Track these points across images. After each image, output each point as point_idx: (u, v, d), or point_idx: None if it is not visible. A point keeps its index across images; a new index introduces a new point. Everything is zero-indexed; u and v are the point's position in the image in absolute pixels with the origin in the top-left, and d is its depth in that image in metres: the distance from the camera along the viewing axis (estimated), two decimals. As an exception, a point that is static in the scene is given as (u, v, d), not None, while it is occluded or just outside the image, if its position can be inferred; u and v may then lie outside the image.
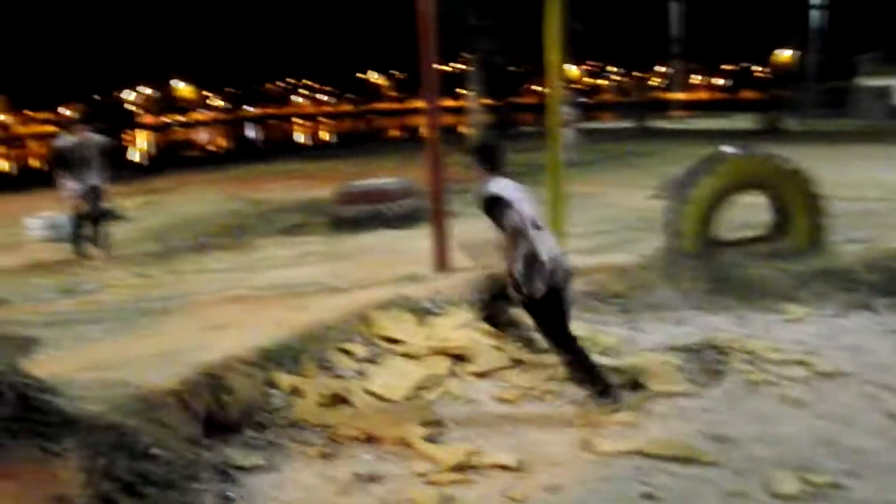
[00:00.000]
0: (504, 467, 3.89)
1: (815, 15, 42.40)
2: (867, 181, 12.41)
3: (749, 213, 7.77)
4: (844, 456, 3.85)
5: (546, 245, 4.41)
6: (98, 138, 9.22)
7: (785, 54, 55.45)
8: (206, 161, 26.79)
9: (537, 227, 4.42)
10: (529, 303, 4.42)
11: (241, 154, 30.92)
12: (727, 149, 7.00)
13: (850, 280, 6.47)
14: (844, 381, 4.81)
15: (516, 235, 4.28)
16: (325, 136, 63.05)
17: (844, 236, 7.62)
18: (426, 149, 7.26)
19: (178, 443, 3.95)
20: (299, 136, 64.79)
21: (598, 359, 5.02)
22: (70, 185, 8.99)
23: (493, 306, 4.79)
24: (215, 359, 4.73)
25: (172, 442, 3.92)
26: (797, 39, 45.61)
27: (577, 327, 5.67)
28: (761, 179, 6.88)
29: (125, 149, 49.65)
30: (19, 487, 3.18)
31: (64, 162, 8.96)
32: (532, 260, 4.31)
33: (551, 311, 4.46)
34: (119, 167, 10.70)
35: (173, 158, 37.91)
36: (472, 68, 21.21)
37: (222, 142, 60.88)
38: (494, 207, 4.34)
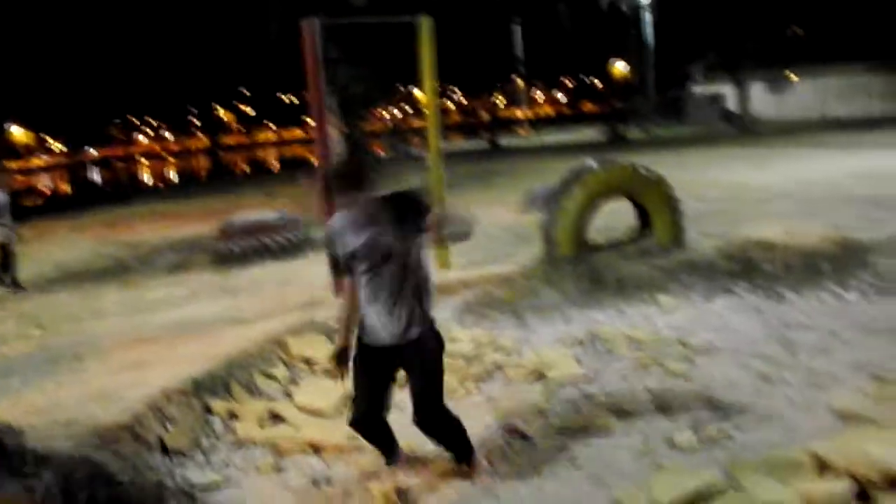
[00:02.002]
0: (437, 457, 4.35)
1: (648, 27, 44.78)
2: (708, 182, 13.58)
3: (612, 218, 8.57)
4: (729, 413, 4.53)
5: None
6: None
7: (620, 66, 58.12)
8: (49, 208, 25.89)
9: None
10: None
11: (84, 198, 29.94)
12: (591, 161, 7.73)
13: (712, 269, 7.27)
14: (718, 355, 5.54)
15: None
16: (172, 174, 61.65)
17: (700, 231, 8.51)
18: (304, 177, 7.60)
19: (141, 470, 4.25)
20: (146, 177, 63.08)
21: (499, 359, 5.60)
22: None
23: None
24: (152, 393, 5.00)
25: (137, 470, 4.21)
26: (632, 51, 47.97)
27: (476, 334, 6.25)
28: (625, 187, 7.64)
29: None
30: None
31: None
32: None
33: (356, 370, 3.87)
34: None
35: (15, 208, 36.37)
36: (329, 97, 21.52)
37: (65, 186, 58.65)
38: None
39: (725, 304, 6.75)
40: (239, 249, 10.43)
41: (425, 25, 7.64)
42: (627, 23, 44.05)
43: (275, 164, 48.66)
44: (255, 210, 12.47)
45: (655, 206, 7.63)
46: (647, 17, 44.96)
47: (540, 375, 5.37)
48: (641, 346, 5.77)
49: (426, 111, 7.86)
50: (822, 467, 3.67)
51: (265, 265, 10.06)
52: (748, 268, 7.23)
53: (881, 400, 4.55)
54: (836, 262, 7.23)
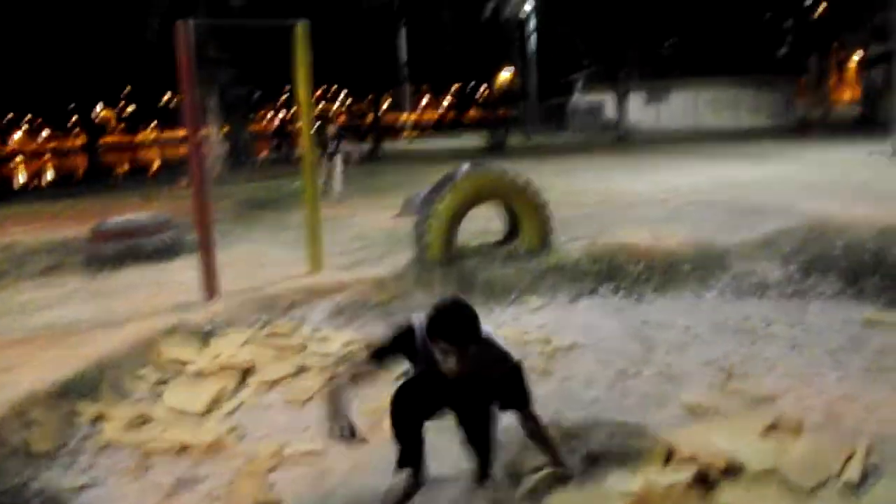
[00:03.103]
0: (311, 453, 4.42)
1: (531, 35, 45.66)
2: (582, 189, 13.98)
3: (485, 222, 8.79)
4: (585, 406, 4.73)
5: None
6: None
7: (505, 74, 59.00)
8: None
9: None
10: None
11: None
12: (465, 166, 7.91)
13: (578, 272, 7.56)
14: (580, 352, 5.79)
15: None
16: (50, 174, 59.34)
17: (570, 236, 8.79)
18: (184, 179, 7.54)
19: (3, 474, 4.16)
20: (21, 177, 60.53)
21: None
22: None
23: None
24: (16, 396, 4.89)
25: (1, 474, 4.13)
26: (516, 59, 48.80)
27: (347, 335, 6.32)
28: (496, 192, 7.86)
29: None
30: None
31: None
32: None
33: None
34: None
35: None
36: (209, 98, 21.30)
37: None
38: None
39: (590, 305, 7.04)
40: (112, 252, 10.17)
41: (301, 30, 7.67)
42: (511, 31, 44.78)
43: (156, 164, 47.56)
44: (130, 212, 12.19)
45: (524, 211, 7.87)
46: (531, 26, 45.91)
47: None
48: (509, 343, 5.92)
49: (301, 114, 7.88)
50: (670, 457, 3.89)
51: (139, 268, 9.85)
52: (613, 270, 7.54)
53: (727, 393, 4.85)
54: (696, 265, 7.61)
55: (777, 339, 5.92)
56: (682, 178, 14.91)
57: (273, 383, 5.61)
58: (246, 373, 5.75)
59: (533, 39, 46.40)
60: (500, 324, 6.51)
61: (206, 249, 7.44)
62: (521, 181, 7.82)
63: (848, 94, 57.55)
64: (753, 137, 27.03)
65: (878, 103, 32.06)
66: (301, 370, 5.75)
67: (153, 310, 7.18)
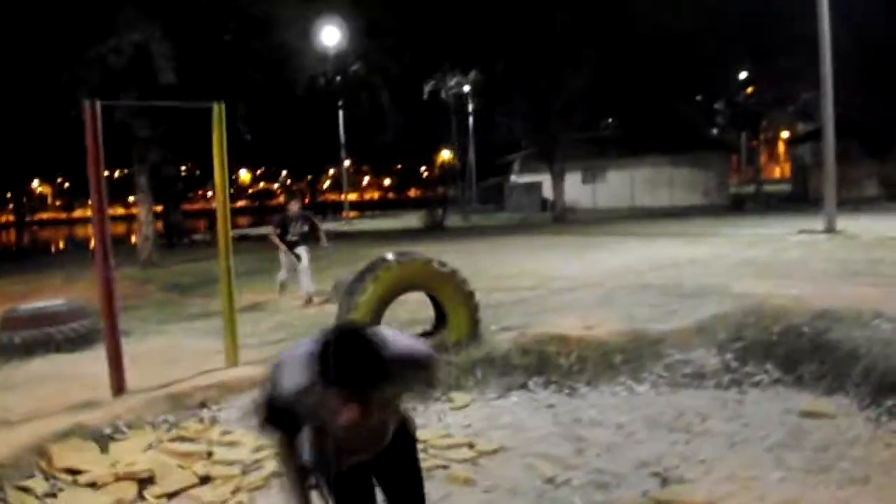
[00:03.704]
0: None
1: (470, 117, 46.20)
2: (516, 272, 13.73)
3: (416, 307, 8.42)
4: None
5: None
6: None
7: (446, 154, 59.55)
8: None
9: None
10: None
11: None
12: (388, 256, 7.55)
13: (507, 365, 7.19)
14: (506, 456, 5.38)
15: None
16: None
17: (500, 325, 8.45)
18: (95, 264, 7.08)
19: None
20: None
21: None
22: None
23: None
24: None
25: None
26: (455, 139, 49.29)
27: (258, 437, 5.84)
28: (421, 282, 7.48)
29: None
30: None
31: None
32: None
33: None
34: None
35: None
36: (140, 177, 20.84)
37: None
38: None
39: (519, 401, 6.66)
40: (20, 340, 9.57)
41: (217, 111, 7.36)
42: (449, 111, 45.24)
43: (92, 242, 46.28)
44: (51, 294, 11.63)
45: (451, 301, 7.51)
46: (469, 108, 46.45)
47: None
48: (428, 449, 5.53)
49: (217, 196, 7.52)
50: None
51: (49, 358, 9.26)
52: (543, 363, 7.21)
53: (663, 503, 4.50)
54: (629, 355, 7.31)
55: (714, 437, 5.61)
56: (616, 259, 14.79)
57: (173, 494, 5.11)
58: (144, 483, 5.25)
59: (471, 120, 46.98)
60: (423, 425, 6.08)
61: (112, 342, 6.97)
62: (445, 270, 7.47)
63: (778, 171, 59.25)
64: (689, 215, 27.29)
65: (808, 180, 32.82)
66: (204, 480, 5.26)
67: (53, 408, 6.61)
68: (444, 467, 5.18)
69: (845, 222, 18.26)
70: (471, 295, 7.59)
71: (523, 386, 6.96)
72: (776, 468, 4.94)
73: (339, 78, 31.13)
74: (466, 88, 42.67)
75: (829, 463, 4.97)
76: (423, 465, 5.11)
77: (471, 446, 5.53)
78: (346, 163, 47.26)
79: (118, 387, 6.83)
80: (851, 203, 25.39)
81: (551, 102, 30.83)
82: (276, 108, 26.72)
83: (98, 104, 6.88)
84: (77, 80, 17.62)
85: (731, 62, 37.01)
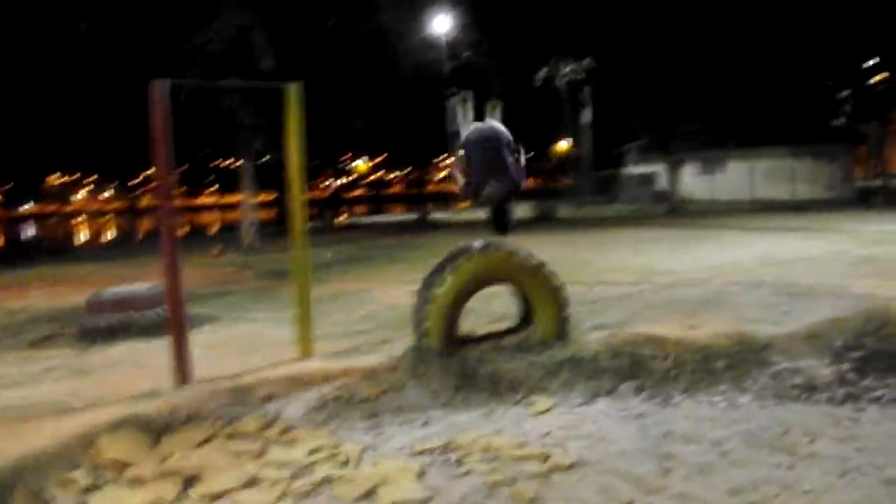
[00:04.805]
0: None
1: (587, 105, 45.21)
2: (619, 266, 13.07)
3: (509, 302, 7.92)
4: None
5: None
6: None
7: (562, 145, 58.59)
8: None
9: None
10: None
11: (15, 255, 28.63)
12: (470, 245, 7.06)
13: (596, 368, 6.60)
14: (582, 473, 4.81)
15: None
16: (109, 234, 59.85)
17: (593, 323, 7.88)
18: (175, 251, 6.83)
19: None
20: (82, 235, 61.17)
21: (332, 472, 4.84)
22: None
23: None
24: None
25: None
26: (572, 132, 48.44)
27: (318, 438, 5.47)
28: (504, 274, 6.96)
29: None
30: None
31: None
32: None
33: None
34: None
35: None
36: (245, 164, 20.97)
37: (-2, 242, 56.52)
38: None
39: (605, 408, 6.05)
40: (105, 324, 9.51)
41: (293, 92, 7.02)
42: (562, 100, 44.38)
43: (216, 227, 47.60)
44: (144, 281, 11.61)
45: (537, 296, 6.97)
46: (586, 96, 45.41)
47: (370, 494, 4.59)
48: (498, 459, 5.03)
49: (291, 183, 7.19)
50: None
51: (130, 343, 9.17)
52: (636, 367, 6.60)
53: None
54: (732, 361, 6.64)
55: (822, 461, 4.91)
56: (729, 254, 13.99)
57: (217, 496, 4.76)
58: (190, 481, 4.94)
59: (588, 110, 46.01)
60: (497, 430, 5.59)
61: (177, 331, 6.71)
62: (532, 262, 6.93)
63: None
64: (810, 209, 25.86)
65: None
66: (251, 482, 4.90)
67: (116, 396, 6.41)
68: (513, 482, 4.67)
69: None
70: (559, 289, 7.03)
71: (612, 391, 6.36)
72: (894, 504, 4.27)
73: (450, 66, 30.72)
74: (580, 76, 41.65)
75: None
76: (489, 479, 4.68)
77: (545, 459, 4.99)
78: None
79: (182, 377, 6.58)
80: None
81: (670, 89, 29.73)
82: (386, 95, 26.56)
83: (167, 83, 6.64)
84: (181, 67, 17.74)
85: (859, 48, 34.93)
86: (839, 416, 5.76)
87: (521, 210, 34.32)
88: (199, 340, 8.09)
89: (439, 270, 6.87)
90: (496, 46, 28.51)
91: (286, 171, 7.31)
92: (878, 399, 6.06)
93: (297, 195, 7.19)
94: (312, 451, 5.21)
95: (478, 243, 7.13)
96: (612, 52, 31.83)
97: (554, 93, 42.16)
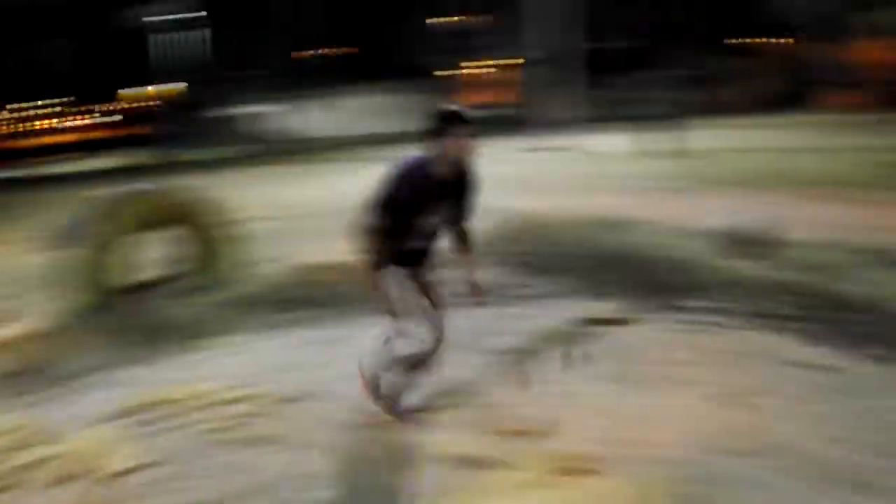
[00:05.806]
0: None
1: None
2: (264, 202, 12.84)
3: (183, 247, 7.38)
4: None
5: None
6: None
7: (172, 87, 55.98)
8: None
9: None
10: None
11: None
12: (124, 188, 6.46)
13: (280, 300, 6.43)
14: (306, 404, 4.63)
15: None
16: None
17: (262, 257, 7.63)
18: None
19: None
20: None
21: (30, 456, 4.16)
22: None
23: None
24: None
25: None
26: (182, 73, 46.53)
27: (14, 419, 4.70)
28: (166, 216, 6.45)
29: None
30: None
31: None
32: None
33: None
34: None
35: None
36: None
37: None
38: None
39: (300, 338, 5.86)
40: None
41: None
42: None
43: None
44: None
45: (207, 235, 6.58)
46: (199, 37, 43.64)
47: (90, 470, 4.03)
48: (212, 406, 4.64)
49: None
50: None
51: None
52: (317, 294, 6.51)
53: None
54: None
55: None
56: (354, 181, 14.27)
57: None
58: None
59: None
60: (201, 377, 5.12)
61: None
62: (191, 200, 6.48)
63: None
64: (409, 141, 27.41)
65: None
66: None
67: None
68: (239, 426, 4.35)
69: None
70: (228, 226, 6.68)
71: (303, 322, 6.18)
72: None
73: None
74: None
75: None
76: (209, 427, 4.33)
77: (261, 397, 4.71)
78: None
79: None
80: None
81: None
82: None
83: None
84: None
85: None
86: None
87: (141, 157, 32.26)
88: None
89: (91, 217, 6.21)
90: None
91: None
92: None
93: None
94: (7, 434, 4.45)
95: (128, 186, 6.57)
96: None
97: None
